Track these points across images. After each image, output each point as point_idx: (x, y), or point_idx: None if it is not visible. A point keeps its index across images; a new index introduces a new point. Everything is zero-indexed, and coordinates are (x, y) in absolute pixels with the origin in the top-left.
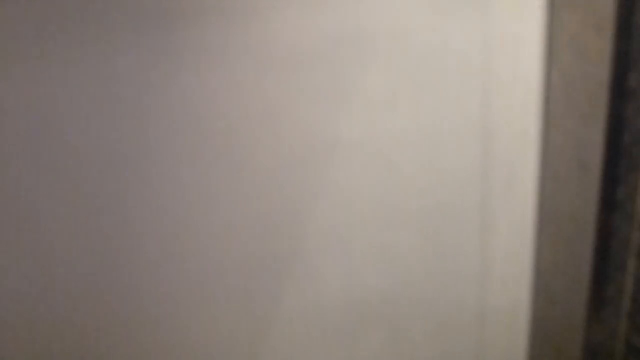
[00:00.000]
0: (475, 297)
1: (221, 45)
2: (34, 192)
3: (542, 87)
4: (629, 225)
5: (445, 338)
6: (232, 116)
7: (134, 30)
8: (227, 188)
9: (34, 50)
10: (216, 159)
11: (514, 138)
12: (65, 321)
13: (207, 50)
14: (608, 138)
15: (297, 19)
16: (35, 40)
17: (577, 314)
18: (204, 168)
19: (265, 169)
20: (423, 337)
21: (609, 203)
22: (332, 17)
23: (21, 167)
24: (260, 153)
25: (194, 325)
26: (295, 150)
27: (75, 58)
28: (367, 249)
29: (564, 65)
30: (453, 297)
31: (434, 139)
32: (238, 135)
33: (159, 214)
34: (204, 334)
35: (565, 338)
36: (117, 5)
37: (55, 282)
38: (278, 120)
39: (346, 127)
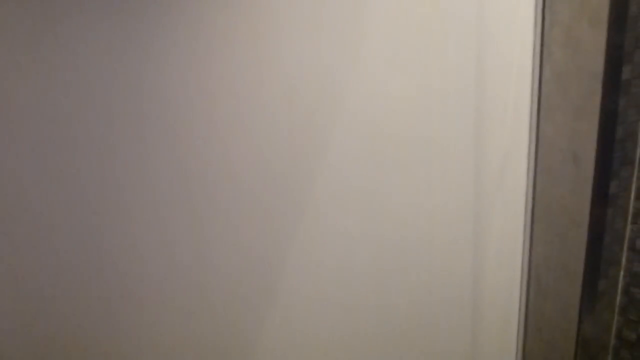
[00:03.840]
0: (469, 292)
1: (213, 33)
2: (26, 187)
3: (535, 80)
4: (622, 218)
5: (438, 332)
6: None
7: (128, 25)
8: (223, 181)
9: (23, 43)
10: (215, 155)
11: (506, 131)
12: (61, 321)
13: (198, 40)
14: (601, 131)
15: None
16: (24, 33)
17: (570, 308)
18: (201, 164)
19: (263, 148)
20: (416, 332)
21: (602, 197)
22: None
23: (12, 162)
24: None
25: (192, 326)
26: (293, 141)
27: (66, 53)
28: (358, 240)
29: (557, 58)
30: (446, 292)
31: (427, 134)
32: (234, 124)
33: (154, 210)
34: (201, 332)
35: (559, 331)
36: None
37: (50, 279)
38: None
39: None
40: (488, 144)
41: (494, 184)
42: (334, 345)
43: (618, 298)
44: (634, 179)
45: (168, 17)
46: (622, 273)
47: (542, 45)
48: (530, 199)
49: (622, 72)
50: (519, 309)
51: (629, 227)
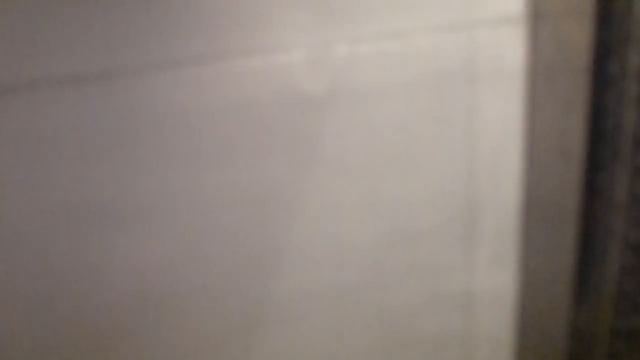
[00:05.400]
0: (461, 285)
1: (209, 34)
2: (21, 187)
3: (525, 75)
4: (611, 211)
5: (432, 328)
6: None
7: (124, 25)
8: (220, 187)
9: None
10: (209, 159)
11: (497, 127)
12: (60, 321)
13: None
14: (589, 126)
15: None
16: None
17: (562, 300)
18: (197, 169)
19: (255, 166)
20: (409, 324)
21: (591, 190)
22: None
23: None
24: (252, 147)
25: (190, 326)
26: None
27: (62, 51)
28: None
29: (545, 54)
30: (438, 284)
31: (418, 131)
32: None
33: (150, 211)
34: (198, 333)
35: (552, 325)
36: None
37: (48, 278)
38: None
39: None
40: (479, 140)
41: (485, 179)
42: (329, 341)
43: (611, 290)
44: (623, 173)
45: (165, 18)
46: (613, 265)
47: (531, 41)
48: (521, 194)
49: (609, 67)
50: (512, 302)
51: (619, 219)
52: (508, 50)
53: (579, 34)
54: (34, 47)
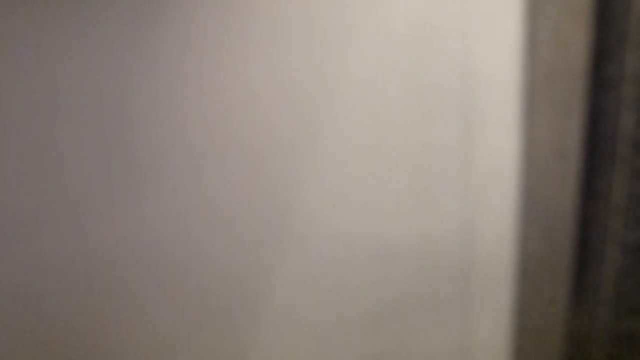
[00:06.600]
0: (459, 288)
1: (204, 33)
2: (13, 185)
3: (523, 77)
4: (610, 214)
5: (429, 330)
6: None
7: (120, 22)
8: (214, 179)
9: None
10: (209, 152)
11: (495, 130)
12: (54, 320)
13: (191, 40)
14: (587, 128)
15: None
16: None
17: (559, 302)
18: (192, 162)
19: (254, 148)
20: (408, 329)
21: (588, 192)
22: None
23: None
24: (249, 133)
25: (186, 326)
26: (281, 133)
27: (55, 51)
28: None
29: (544, 56)
30: (436, 289)
31: (415, 135)
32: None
33: (145, 210)
34: (196, 332)
35: (549, 327)
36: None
37: (40, 277)
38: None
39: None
40: (477, 143)
41: (484, 182)
42: (326, 340)
43: (609, 292)
44: (621, 175)
45: (160, 17)
46: (611, 267)
47: (530, 42)
48: (519, 197)
49: (607, 69)
50: (510, 305)
51: (616, 221)
52: (505, 49)
53: (578, 36)
54: None
